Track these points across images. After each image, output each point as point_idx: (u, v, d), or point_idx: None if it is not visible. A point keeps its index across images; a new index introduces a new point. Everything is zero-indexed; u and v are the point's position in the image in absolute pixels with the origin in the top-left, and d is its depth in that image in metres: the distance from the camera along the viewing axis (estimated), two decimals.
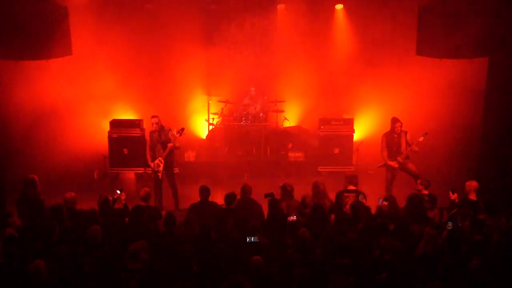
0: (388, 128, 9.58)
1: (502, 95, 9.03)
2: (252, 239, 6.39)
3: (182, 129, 9.30)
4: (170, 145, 9.32)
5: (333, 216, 7.71)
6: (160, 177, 9.48)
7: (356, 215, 7.08)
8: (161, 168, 9.44)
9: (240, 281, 4.93)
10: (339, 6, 12.72)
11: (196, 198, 8.04)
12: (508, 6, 8.78)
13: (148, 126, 9.98)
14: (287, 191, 7.89)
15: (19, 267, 5.83)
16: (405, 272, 5.52)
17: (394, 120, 9.48)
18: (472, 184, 7.62)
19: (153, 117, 9.52)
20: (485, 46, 9.06)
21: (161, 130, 9.42)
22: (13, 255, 6.11)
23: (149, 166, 9.61)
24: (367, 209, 7.45)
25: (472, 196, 7.56)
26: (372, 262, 5.75)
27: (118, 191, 7.93)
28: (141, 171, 11.26)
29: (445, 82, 10.99)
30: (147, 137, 9.61)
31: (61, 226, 6.78)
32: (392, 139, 9.49)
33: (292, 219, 7.00)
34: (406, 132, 9.45)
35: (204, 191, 7.91)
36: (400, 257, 5.71)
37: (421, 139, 9.19)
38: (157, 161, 9.42)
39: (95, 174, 11.34)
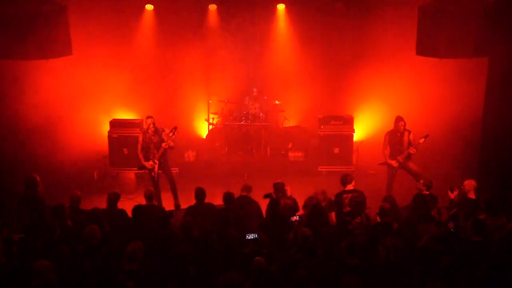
0: (390, 127, 9.61)
1: (502, 95, 9.02)
2: (252, 236, 6.39)
3: (175, 128, 9.29)
4: (163, 145, 9.31)
5: (333, 216, 7.73)
6: (155, 178, 9.47)
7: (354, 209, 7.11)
8: (155, 169, 9.42)
9: (237, 279, 4.92)
10: (339, 6, 12.70)
11: None
12: (508, 6, 8.77)
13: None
14: (279, 189, 7.85)
15: (19, 267, 5.83)
16: (407, 270, 5.52)
17: (398, 119, 9.51)
18: (471, 183, 7.59)
19: (148, 117, 9.51)
20: (485, 46, 9.05)
21: (155, 130, 9.41)
22: (13, 255, 6.11)
23: (143, 167, 9.59)
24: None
25: (471, 195, 7.54)
26: (379, 262, 5.74)
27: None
28: (141, 171, 11.24)
29: (445, 82, 10.99)
30: (140, 138, 9.59)
31: (62, 226, 6.77)
32: (394, 137, 9.53)
33: (295, 219, 6.99)
34: (409, 132, 9.47)
35: (200, 193, 7.86)
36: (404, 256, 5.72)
37: (421, 141, 9.21)
38: (151, 162, 9.40)
39: (95, 174, 11.33)
